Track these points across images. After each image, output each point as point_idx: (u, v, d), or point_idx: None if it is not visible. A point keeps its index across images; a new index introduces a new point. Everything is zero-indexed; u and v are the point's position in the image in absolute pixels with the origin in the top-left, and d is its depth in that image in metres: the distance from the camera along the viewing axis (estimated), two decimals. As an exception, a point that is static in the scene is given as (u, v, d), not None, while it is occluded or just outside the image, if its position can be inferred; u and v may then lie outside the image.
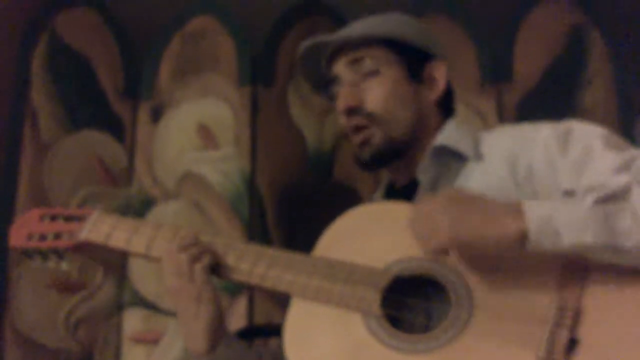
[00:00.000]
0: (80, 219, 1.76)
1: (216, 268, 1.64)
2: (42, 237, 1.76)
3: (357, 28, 1.77)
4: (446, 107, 1.80)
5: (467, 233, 1.37)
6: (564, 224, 1.32)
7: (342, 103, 1.71)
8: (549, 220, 1.33)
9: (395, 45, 1.74)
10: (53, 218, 1.79)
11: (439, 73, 1.77)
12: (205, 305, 1.60)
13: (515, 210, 1.36)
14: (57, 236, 1.75)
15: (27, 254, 1.79)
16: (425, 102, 1.75)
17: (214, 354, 1.61)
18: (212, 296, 1.60)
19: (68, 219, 1.78)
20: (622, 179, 1.38)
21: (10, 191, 2.84)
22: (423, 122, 1.74)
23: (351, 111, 1.70)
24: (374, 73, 1.72)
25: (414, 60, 1.76)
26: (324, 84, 1.81)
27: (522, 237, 1.34)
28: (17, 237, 1.79)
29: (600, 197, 1.34)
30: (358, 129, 1.70)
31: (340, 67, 1.75)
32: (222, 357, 1.62)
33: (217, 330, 1.61)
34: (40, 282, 2.78)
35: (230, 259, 1.63)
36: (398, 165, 1.75)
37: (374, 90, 1.71)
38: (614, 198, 1.35)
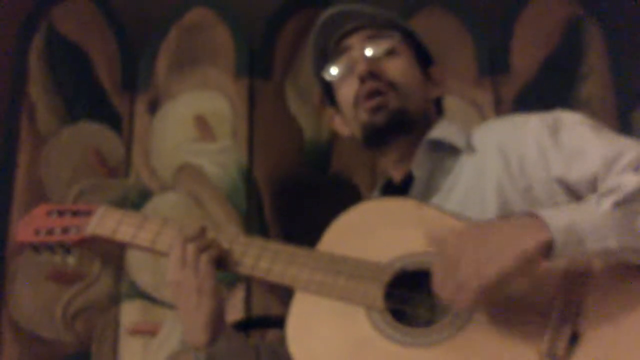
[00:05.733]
0: (87, 213, 1.78)
1: (221, 261, 1.64)
2: (50, 232, 1.78)
3: (378, 11, 1.81)
4: (439, 108, 1.84)
5: (491, 273, 1.31)
6: (587, 231, 1.31)
7: (363, 66, 1.73)
8: (573, 229, 1.31)
9: (409, 38, 1.81)
10: (61, 213, 1.81)
11: (442, 76, 1.82)
12: (207, 297, 1.60)
13: (535, 223, 1.33)
14: (65, 231, 1.77)
15: (35, 248, 1.81)
16: (428, 96, 1.79)
17: (213, 346, 1.61)
18: (213, 288, 1.60)
19: (75, 213, 1.80)
20: (634, 179, 1.37)
21: (7, 184, 2.84)
22: (425, 113, 1.77)
23: (372, 75, 1.72)
24: (392, 52, 1.77)
25: (422, 57, 1.81)
26: (326, 58, 1.84)
27: (547, 249, 1.31)
28: (24, 232, 1.81)
29: (617, 200, 1.33)
30: (375, 93, 1.72)
31: (356, 41, 1.78)
32: (222, 350, 1.62)
33: (217, 322, 1.62)
34: (37, 274, 2.78)
35: (235, 253, 1.64)
36: (395, 157, 1.76)
37: (394, 64, 1.76)
38: (631, 200, 1.34)
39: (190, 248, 1.61)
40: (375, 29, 1.78)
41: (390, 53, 1.76)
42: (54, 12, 3.03)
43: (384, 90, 1.71)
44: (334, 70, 1.81)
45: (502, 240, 1.33)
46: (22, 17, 2.99)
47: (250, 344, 1.74)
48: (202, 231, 1.66)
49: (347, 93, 1.77)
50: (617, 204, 1.33)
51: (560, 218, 1.33)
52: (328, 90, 1.87)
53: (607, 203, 1.33)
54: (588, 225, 1.31)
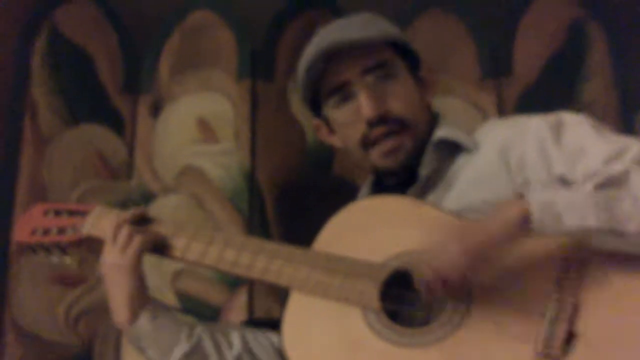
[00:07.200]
0: (83, 213, 1.78)
1: (158, 248, 1.70)
2: (46, 232, 1.78)
3: (368, 29, 1.74)
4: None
5: (473, 239, 1.38)
6: (566, 207, 1.34)
7: (369, 111, 1.68)
8: (551, 203, 1.35)
9: (399, 49, 1.76)
10: (57, 213, 1.81)
11: (433, 76, 1.81)
12: (126, 275, 1.65)
13: (516, 199, 1.39)
14: (61, 231, 1.77)
15: (31, 248, 1.81)
16: (427, 104, 1.78)
17: (135, 325, 1.64)
18: (134, 267, 1.66)
19: (72, 213, 1.80)
20: (619, 166, 1.40)
21: (10, 185, 2.84)
22: (429, 125, 1.75)
23: (380, 120, 1.68)
24: (391, 77, 1.72)
25: (413, 64, 1.77)
26: (318, 90, 1.78)
27: (525, 219, 1.35)
28: (21, 232, 1.81)
29: (599, 183, 1.36)
30: (388, 134, 1.69)
31: (353, 74, 1.71)
32: (145, 328, 1.65)
33: (138, 300, 1.66)
34: (40, 276, 2.78)
35: (229, 253, 1.64)
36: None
37: (397, 95, 1.71)
38: (613, 184, 1.37)
39: (125, 229, 1.66)
40: (368, 52, 1.71)
41: (388, 78, 1.71)
42: (56, 14, 3.03)
43: (397, 130, 1.69)
44: (333, 108, 1.77)
45: (485, 218, 1.42)
46: (25, 19, 2.99)
47: (185, 321, 1.76)
48: (142, 215, 1.74)
49: (351, 133, 1.74)
50: (599, 186, 1.36)
51: (541, 194, 1.38)
52: (313, 102, 1.84)
53: (589, 185, 1.37)
54: (567, 203, 1.34)
